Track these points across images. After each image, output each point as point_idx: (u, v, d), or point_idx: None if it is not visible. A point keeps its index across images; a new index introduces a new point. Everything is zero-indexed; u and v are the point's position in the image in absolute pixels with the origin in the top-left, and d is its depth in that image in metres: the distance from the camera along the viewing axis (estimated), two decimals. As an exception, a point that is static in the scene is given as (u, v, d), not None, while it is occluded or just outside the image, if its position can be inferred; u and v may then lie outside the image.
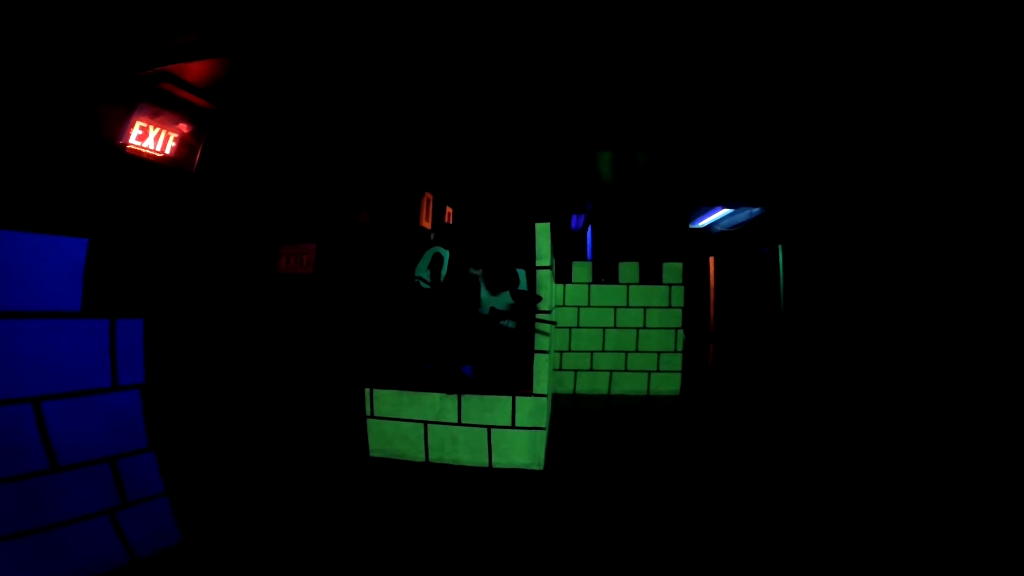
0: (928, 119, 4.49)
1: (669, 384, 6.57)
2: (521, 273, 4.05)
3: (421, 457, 3.98)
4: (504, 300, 3.98)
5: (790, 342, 7.05)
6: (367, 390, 4.05)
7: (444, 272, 5.58)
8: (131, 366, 2.47)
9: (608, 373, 6.62)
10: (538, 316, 3.88)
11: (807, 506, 3.20)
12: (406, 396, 3.99)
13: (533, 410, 3.85)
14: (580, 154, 6.55)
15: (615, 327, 6.62)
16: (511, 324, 4.94)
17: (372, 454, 4.04)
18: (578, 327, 6.63)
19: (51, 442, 2.19)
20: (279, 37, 3.83)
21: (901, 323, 5.00)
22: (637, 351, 6.60)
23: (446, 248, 5.65)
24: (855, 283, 5.81)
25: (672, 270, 6.62)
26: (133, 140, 4.18)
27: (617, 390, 6.61)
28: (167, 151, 4.46)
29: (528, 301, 3.93)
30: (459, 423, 3.93)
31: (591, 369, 6.63)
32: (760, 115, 5.12)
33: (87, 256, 2.33)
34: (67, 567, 2.19)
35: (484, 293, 3.99)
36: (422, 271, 5.43)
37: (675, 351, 6.58)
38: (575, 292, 6.66)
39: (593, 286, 6.67)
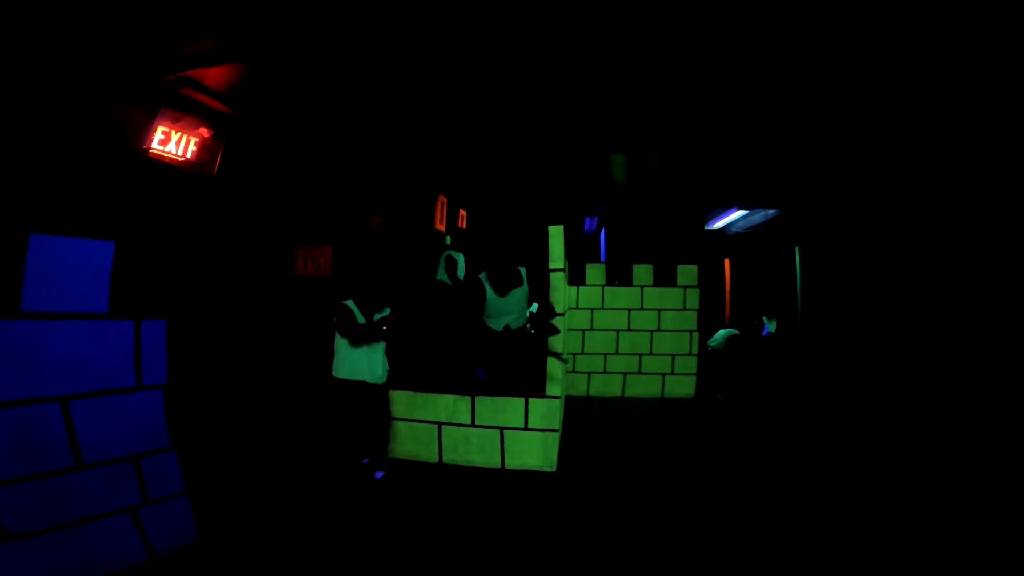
0: (947, 121, 4.42)
1: (684, 387, 6.53)
2: (523, 270, 4.10)
3: (435, 458, 4.01)
4: (514, 298, 4.00)
5: (807, 345, 6.96)
6: (382, 391, 4.09)
7: (461, 272, 5.73)
8: (155, 366, 2.52)
9: (622, 376, 6.59)
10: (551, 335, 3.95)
11: (823, 509, 3.16)
12: (420, 397, 4.03)
13: (546, 412, 3.86)
14: (593, 157, 6.54)
15: (629, 329, 6.60)
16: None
17: (388, 455, 4.08)
18: (592, 329, 6.62)
19: (77, 441, 2.24)
20: (297, 43, 3.90)
21: (923, 327, 4.91)
22: (651, 354, 6.56)
23: (459, 251, 5.76)
24: (875, 286, 5.72)
25: (687, 272, 6.58)
26: (156, 145, 4.27)
27: (631, 393, 6.58)
28: (188, 155, 4.54)
29: (545, 314, 3.97)
30: (472, 424, 3.95)
31: (604, 371, 6.61)
32: (776, 116, 5.07)
33: (113, 259, 2.39)
34: (88, 563, 2.25)
35: (491, 293, 4.03)
36: (441, 275, 5.67)
37: (690, 354, 6.53)
38: (588, 294, 6.65)
39: (607, 288, 6.65)
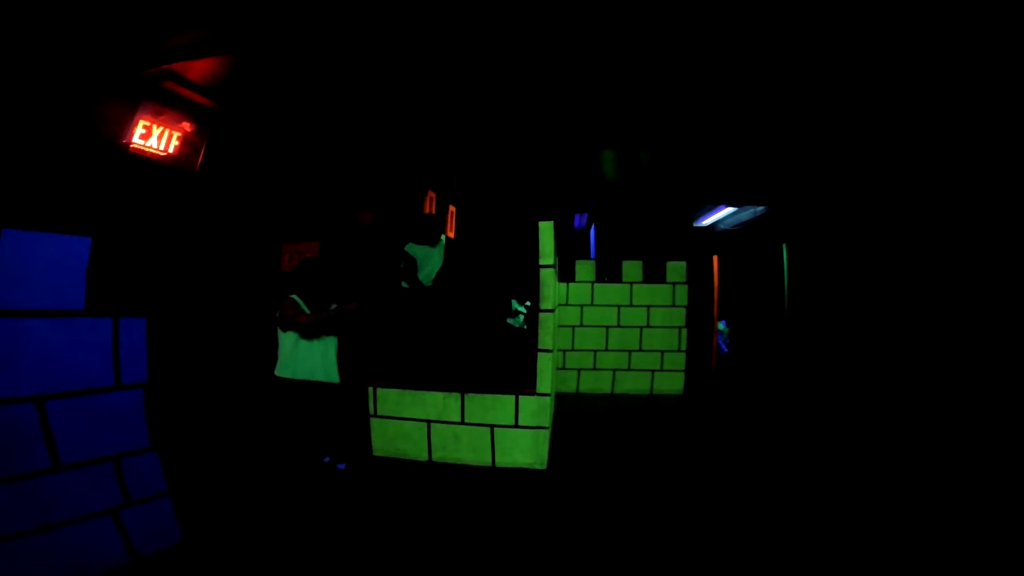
0: (933, 118, 4.46)
1: (673, 383, 6.55)
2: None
3: (424, 456, 3.98)
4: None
5: (795, 341, 7.02)
6: (370, 389, 4.05)
7: (425, 271, 4.88)
8: (134, 365, 2.46)
9: (611, 372, 6.60)
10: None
11: (809, 505, 3.18)
12: (408, 395, 3.99)
13: (536, 409, 3.84)
14: (583, 152, 6.53)
15: (618, 326, 6.60)
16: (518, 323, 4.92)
17: (375, 453, 4.04)
18: (581, 326, 6.62)
19: (54, 441, 2.18)
20: (284, 35, 3.83)
21: (908, 322, 4.96)
22: (640, 350, 6.58)
23: (424, 245, 4.88)
24: (860, 282, 5.77)
25: (676, 269, 6.60)
26: (136, 139, 4.18)
27: (620, 389, 6.59)
28: (170, 150, 4.45)
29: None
30: (462, 422, 3.92)
31: (594, 368, 6.62)
32: (764, 113, 5.09)
33: (90, 255, 2.32)
34: (69, 565, 2.19)
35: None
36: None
37: (679, 350, 6.56)
38: (578, 291, 6.64)
39: (596, 285, 6.65)
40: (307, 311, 3.38)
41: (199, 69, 4.26)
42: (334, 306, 3.46)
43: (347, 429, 3.71)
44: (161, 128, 4.34)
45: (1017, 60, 3.42)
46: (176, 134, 4.47)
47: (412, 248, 4.83)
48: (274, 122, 5.40)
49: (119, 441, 2.40)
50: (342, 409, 3.61)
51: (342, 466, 3.60)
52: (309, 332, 3.33)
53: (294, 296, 3.40)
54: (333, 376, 3.46)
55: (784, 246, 7.33)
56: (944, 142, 4.52)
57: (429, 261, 4.88)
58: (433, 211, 7.82)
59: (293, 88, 4.76)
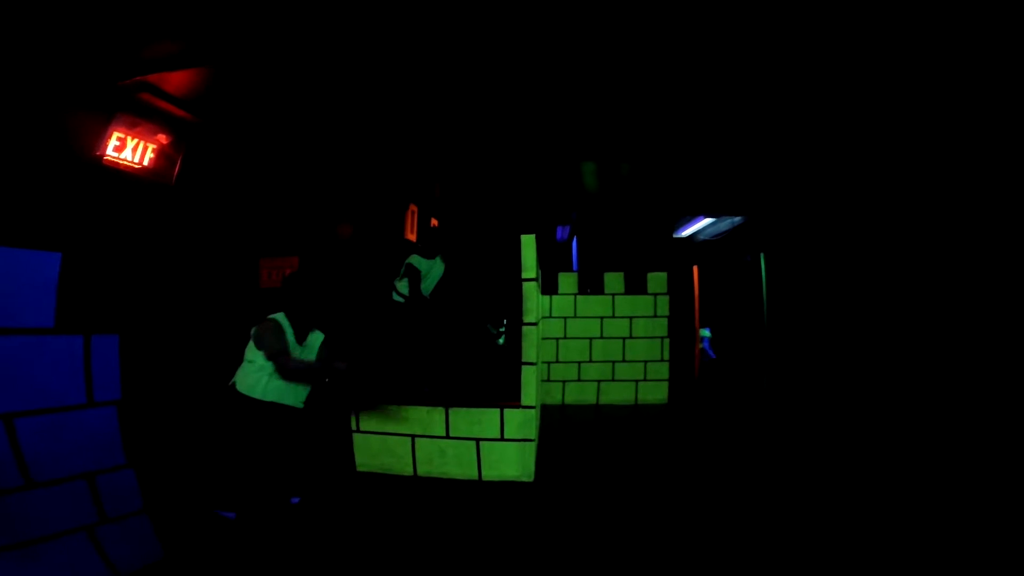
0: (907, 127, 4.60)
1: (657, 393, 6.58)
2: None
3: (409, 471, 3.91)
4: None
5: (774, 348, 7.12)
6: (352, 404, 3.98)
7: (426, 283, 4.89)
8: (107, 383, 2.40)
9: (596, 383, 6.61)
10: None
11: (793, 513, 3.20)
12: (392, 410, 3.93)
13: (522, 422, 3.82)
14: (564, 165, 6.59)
15: (602, 337, 6.63)
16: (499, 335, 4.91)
17: (359, 468, 3.97)
18: (565, 338, 6.63)
19: (24, 458, 2.11)
20: (264, 47, 3.80)
21: (883, 328, 5.07)
22: (624, 361, 6.60)
23: (425, 257, 4.87)
24: (836, 288, 5.89)
25: (657, 280, 6.67)
26: (110, 151, 4.08)
27: (605, 400, 6.59)
28: (145, 162, 4.36)
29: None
30: (447, 436, 3.87)
31: (579, 379, 6.62)
32: (740, 126, 5.21)
33: (61, 271, 2.26)
34: (44, 586, 2.11)
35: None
36: (403, 288, 4.80)
37: (662, 360, 6.61)
38: (561, 303, 6.66)
39: (579, 297, 6.68)
40: (292, 340, 3.11)
41: (176, 80, 4.19)
42: (319, 335, 3.27)
43: (315, 455, 3.53)
44: (136, 140, 4.25)
45: (989, 70, 3.55)
46: (152, 146, 4.38)
47: (417, 260, 4.78)
48: (252, 134, 5.34)
49: (93, 458, 2.34)
50: (311, 434, 3.38)
51: (296, 500, 3.31)
52: (289, 377, 3.06)
53: (277, 318, 3.11)
54: (301, 400, 3.21)
55: (762, 255, 7.46)
56: (916, 152, 4.67)
57: (431, 273, 4.89)
58: (415, 224, 7.80)
59: (272, 100, 4.72)
